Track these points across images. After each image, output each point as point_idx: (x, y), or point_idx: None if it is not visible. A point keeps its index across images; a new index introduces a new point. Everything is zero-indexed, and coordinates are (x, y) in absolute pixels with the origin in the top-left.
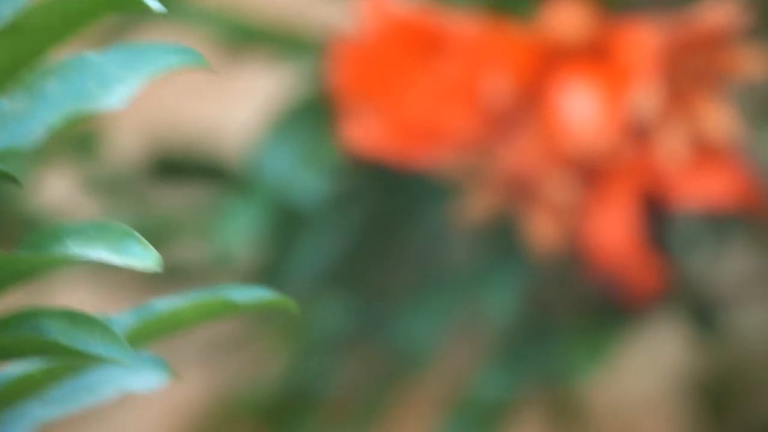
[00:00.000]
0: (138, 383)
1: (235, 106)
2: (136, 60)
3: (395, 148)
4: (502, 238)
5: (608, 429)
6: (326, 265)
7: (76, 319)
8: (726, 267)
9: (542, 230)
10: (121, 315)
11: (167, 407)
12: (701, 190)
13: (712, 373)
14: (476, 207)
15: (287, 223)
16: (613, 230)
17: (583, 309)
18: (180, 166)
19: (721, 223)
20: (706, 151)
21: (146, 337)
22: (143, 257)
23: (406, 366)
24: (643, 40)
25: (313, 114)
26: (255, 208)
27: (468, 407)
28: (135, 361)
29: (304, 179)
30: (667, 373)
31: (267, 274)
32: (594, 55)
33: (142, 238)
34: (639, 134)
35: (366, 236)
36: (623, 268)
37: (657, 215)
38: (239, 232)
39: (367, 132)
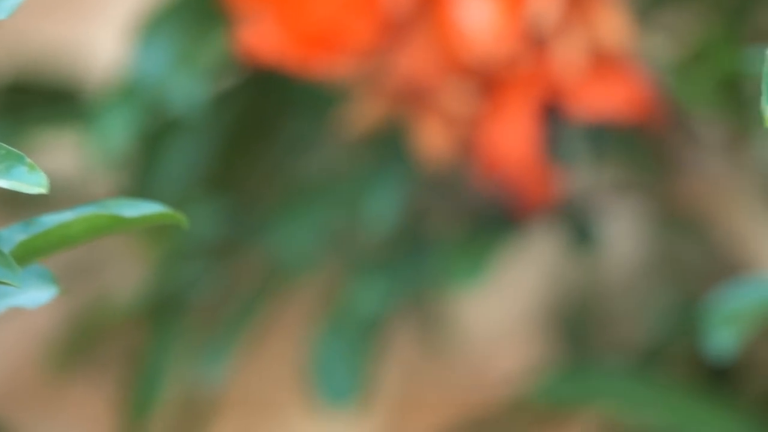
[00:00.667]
0: (26, 299)
1: (97, 24)
2: None
3: (288, 54)
4: (387, 146)
5: (472, 345)
6: (199, 171)
7: None
8: (602, 178)
9: (433, 139)
10: (9, 231)
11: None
12: (598, 99)
13: (579, 293)
14: (365, 115)
15: (161, 128)
16: (510, 139)
17: (465, 220)
18: (32, 90)
19: (599, 134)
20: (602, 60)
21: (34, 253)
22: (30, 180)
23: (281, 275)
24: None
25: (193, 12)
26: (128, 113)
27: (341, 319)
28: (23, 278)
29: (180, 82)
30: (536, 291)
31: (138, 180)
32: None
33: (30, 161)
34: (536, 42)
35: (242, 141)
36: (517, 178)
37: (553, 125)
38: (113, 138)
39: (259, 36)
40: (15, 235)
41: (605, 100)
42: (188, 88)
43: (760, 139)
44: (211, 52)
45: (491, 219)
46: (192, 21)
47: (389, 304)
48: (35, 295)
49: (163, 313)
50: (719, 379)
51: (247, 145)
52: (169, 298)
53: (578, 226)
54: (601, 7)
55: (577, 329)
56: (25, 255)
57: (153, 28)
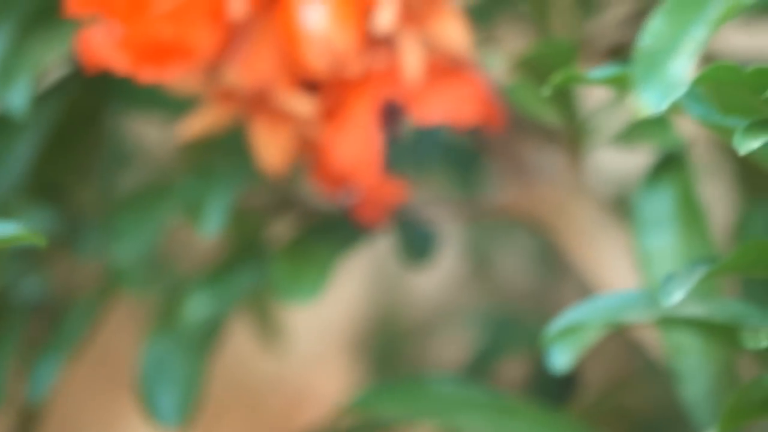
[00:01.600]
0: None
1: None
2: None
3: (127, 59)
4: (228, 151)
5: (296, 356)
6: (29, 171)
7: None
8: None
9: (273, 143)
10: None
11: None
12: (438, 103)
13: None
14: (206, 119)
15: None
16: (349, 144)
17: (303, 228)
18: None
19: (430, 141)
20: (441, 65)
21: None
22: None
23: (113, 282)
24: None
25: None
26: None
27: (172, 328)
28: None
29: (14, 81)
30: (360, 305)
31: None
32: None
33: None
34: (376, 46)
35: (73, 143)
36: (359, 185)
37: (393, 130)
38: None
39: (96, 37)
40: None
41: (445, 104)
42: (20, 87)
43: (595, 149)
44: (48, 50)
45: (329, 227)
46: (29, 15)
47: (221, 312)
48: None
49: None
50: (547, 392)
51: (78, 146)
52: None
53: (410, 237)
54: (439, 12)
55: (395, 343)
56: None
57: None
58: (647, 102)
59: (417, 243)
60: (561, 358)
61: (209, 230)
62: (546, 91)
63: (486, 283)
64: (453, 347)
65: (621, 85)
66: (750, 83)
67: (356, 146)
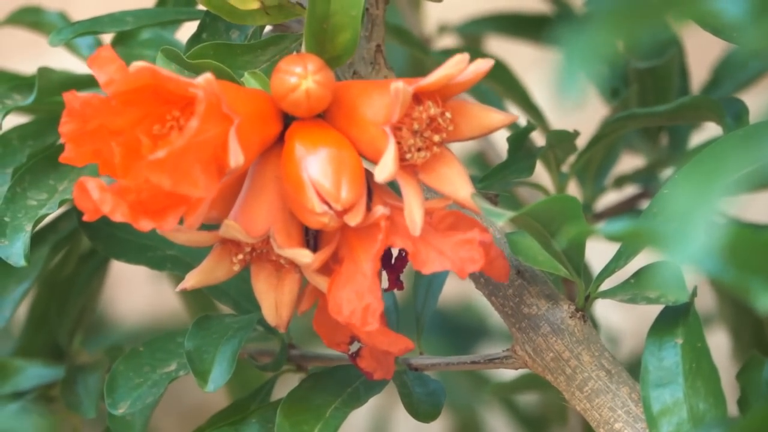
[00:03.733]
0: None
1: None
2: None
3: (125, 209)
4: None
5: None
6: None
7: None
8: None
9: (278, 293)
10: None
11: None
12: (442, 253)
13: None
14: (208, 268)
15: None
16: (354, 295)
17: (305, 378)
18: None
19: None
20: (445, 214)
21: None
22: None
23: None
24: (381, 103)
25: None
26: None
27: None
28: None
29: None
30: None
31: None
32: (332, 117)
33: None
34: (380, 196)
35: (69, 296)
36: (361, 335)
37: (398, 280)
38: None
39: (94, 188)
40: None
41: (448, 253)
42: (18, 236)
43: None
44: (47, 199)
45: (333, 378)
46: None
47: None
48: None
49: None
50: None
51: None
52: None
53: (416, 392)
54: (442, 163)
55: None
56: None
57: None
58: (683, 259)
59: (423, 398)
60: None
61: (214, 385)
62: (560, 243)
63: None
64: None
65: (635, 241)
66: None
67: (358, 296)
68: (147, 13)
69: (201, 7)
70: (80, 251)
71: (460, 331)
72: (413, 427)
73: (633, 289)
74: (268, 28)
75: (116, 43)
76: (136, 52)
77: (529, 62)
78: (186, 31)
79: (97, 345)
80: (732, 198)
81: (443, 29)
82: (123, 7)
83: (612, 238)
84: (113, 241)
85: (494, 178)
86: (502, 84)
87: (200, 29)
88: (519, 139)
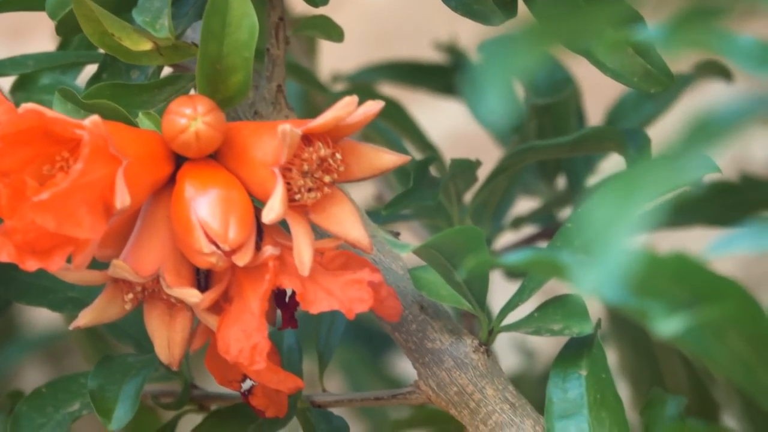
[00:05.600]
0: None
1: None
2: None
3: (10, 249)
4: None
5: None
6: None
7: None
8: None
9: (169, 332)
10: None
11: None
12: (331, 293)
13: None
14: (100, 307)
15: None
16: (242, 334)
17: (206, 416)
18: None
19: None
20: (336, 254)
21: None
22: None
23: None
24: (271, 144)
25: None
26: None
27: None
28: None
29: None
30: None
31: None
32: (223, 158)
33: None
34: (270, 236)
35: None
36: (251, 374)
37: (289, 319)
38: None
39: None
40: None
41: (337, 293)
42: None
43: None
44: None
45: (233, 415)
46: None
47: None
48: None
49: None
50: None
51: None
52: None
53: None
54: (332, 202)
55: None
56: None
57: None
58: (586, 286)
59: None
60: None
61: (118, 423)
62: (461, 274)
63: None
64: None
65: (537, 269)
66: (668, 269)
67: (246, 336)
68: (48, 57)
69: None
70: None
71: (371, 337)
72: None
73: (537, 322)
74: (167, 69)
75: (16, 89)
76: (36, 98)
77: (422, 105)
78: (87, 75)
79: (7, 354)
80: (646, 224)
81: (336, 78)
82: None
83: (514, 266)
84: (14, 283)
85: (399, 204)
86: (396, 124)
87: (100, 69)
88: (422, 167)
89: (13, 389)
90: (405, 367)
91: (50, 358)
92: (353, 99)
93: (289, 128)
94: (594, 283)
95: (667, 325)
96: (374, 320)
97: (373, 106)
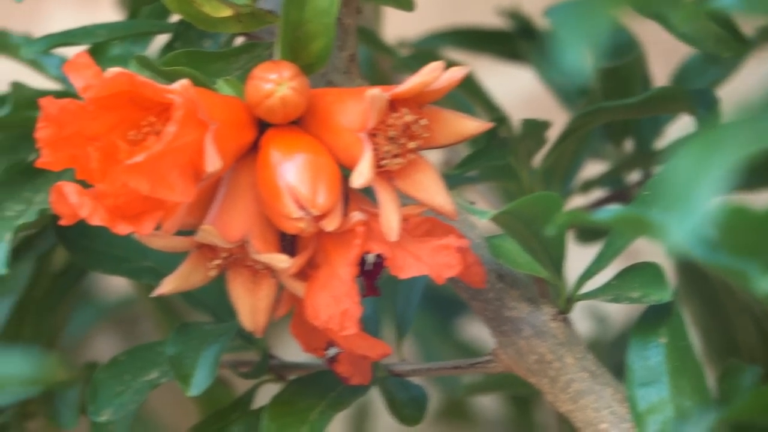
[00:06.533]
0: None
1: None
2: None
3: (102, 213)
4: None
5: None
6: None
7: None
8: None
9: (254, 299)
10: None
11: None
12: (418, 258)
13: None
14: (184, 274)
15: None
16: (330, 300)
17: (288, 384)
18: None
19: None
20: (422, 220)
21: None
22: None
23: None
24: (356, 110)
25: None
26: None
27: None
28: None
29: None
30: None
31: None
32: (307, 124)
33: None
34: (356, 202)
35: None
36: (338, 340)
37: (374, 286)
38: None
39: (71, 192)
40: None
41: (424, 258)
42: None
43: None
44: (26, 207)
45: (316, 383)
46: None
47: None
48: None
49: None
50: None
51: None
52: None
53: (400, 398)
54: (417, 168)
55: None
56: None
57: None
58: (673, 243)
59: (407, 403)
60: None
61: (197, 389)
62: (550, 230)
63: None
64: None
65: (629, 226)
66: (764, 224)
67: (336, 301)
68: (119, 26)
69: (173, 19)
70: (54, 270)
71: (440, 303)
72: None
73: (615, 290)
74: (238, 40)
75: None
76: (105, 68)
77: (486, 70)
78: (156, 47)
79: (77, 320)
80: (728, 183)
81: (402, 44)
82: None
83: (601, 224)
84: (90, 253)
85: (469, 164)
86: (464, 88)
87: (173, 38)
88: (493, 128)
89: (89, 360)
90: (475, 333)
91: (120, 324)
92: (439, 65)
93: (378, 92)
94: (683, 240)
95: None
96: (443, 286)
97: (458, 72)
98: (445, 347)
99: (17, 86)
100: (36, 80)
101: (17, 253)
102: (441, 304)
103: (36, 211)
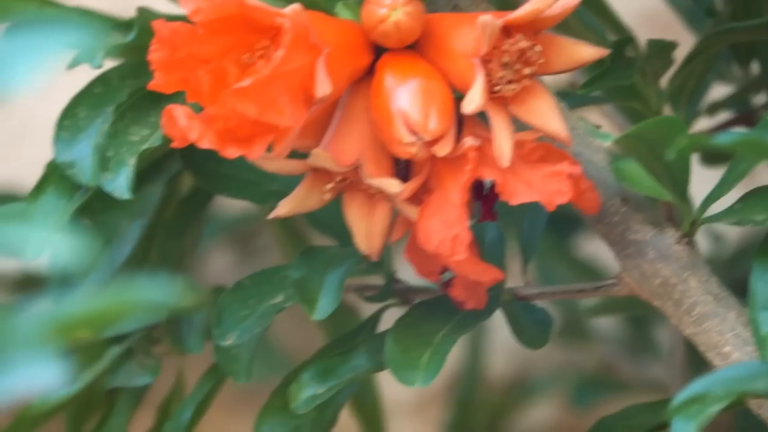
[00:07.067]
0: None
1: None
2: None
3: (212, 136)
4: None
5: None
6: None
7: None
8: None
9: (369, 223)
10: None
11: None
12: (531, 184)
13: None
14: (299, 198)
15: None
16: (443, 225)
17: (409, 308)
18: None
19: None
20: (535, 145)
21: None
22: None
23: (222, 369)
24: (471, 35)
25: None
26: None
27: (288, 409)
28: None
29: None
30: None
31: None
32: (422, 49)
33: None
34: (470, 126)
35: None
36: (452, 265)
37: (488, 210)
38: None
39: (182, 115)
40: None
41: (537, 184)
42: (123, 168)
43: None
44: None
45: (438, 307)
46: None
47: (336, 395)
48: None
49: None
50: None
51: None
52: None
53: (524, 321)
54: (530, 93)
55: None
56: None
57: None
58: None
59: (531, 326)
60: (685, 429)
61: (321, 312)
62: (670, 154)
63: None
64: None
65: (752, 150)
66: None
67: (447, 226)
68: None
69: None
70: (181, 195)
71: (556, 221)
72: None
73: (739, 214)
74: None
75: None
76: None
77: None
78: None
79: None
80: None
81: None
82: None
83: (725, 147)
84: (216, 176)
85: (595, 83)
86: (588, 6)
87: None
88: (618, 47)
89: (216, 284)
90: (592, 250)
91: (233, 242)
92: None
93: (490, 18)
94: None
95: None
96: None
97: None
98: (561, 266)
99: (143, 11)
100: (164, 6)
101: (145, 177)
102: (556, 223)
103: (161, 135)
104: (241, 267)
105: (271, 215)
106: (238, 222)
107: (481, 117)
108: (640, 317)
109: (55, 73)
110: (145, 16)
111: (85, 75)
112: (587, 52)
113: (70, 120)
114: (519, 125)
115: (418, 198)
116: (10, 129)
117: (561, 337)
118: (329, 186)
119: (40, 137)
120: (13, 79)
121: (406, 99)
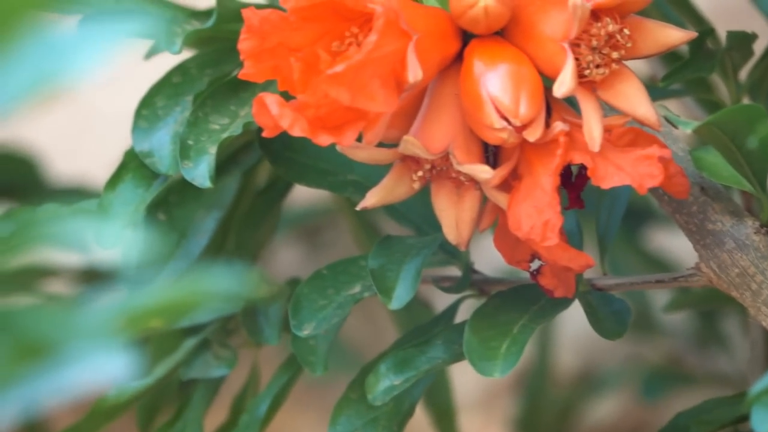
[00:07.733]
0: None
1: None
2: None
3: (304, 124)
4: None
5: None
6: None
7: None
8: None
9: (458, 211)
10: None
11: None
12: (621, 169)
13: None
14: (389, 187)
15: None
16: (533, 211)
17: (489, 297)
18: None
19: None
20: (625, 130)
21: None
22: None
23: (299, 360)
24: (559, 19)
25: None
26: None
27: (365, 402)
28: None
29: (197, 152)
30: None
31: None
32: (510, 34)
33: None
34: (559, 112)
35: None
36: (541, 252)
37: (577, 196)
38: None
39: (273, 103)
40: None
41: (627, 169)
42: (203, 157)
43: None
44: (229, 120)
45: (517, 296)
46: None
47: (412, 387)
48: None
49: None
50: None
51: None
52: None
53: (602, 312)
54: (620, 78)
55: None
56: None
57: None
58: None
59: (609, 317)
60: (764, 419)
61: (398, 302)
62: (752, 142)
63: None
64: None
65: None
66: None
67: (537, 212)
68: None
69: None
70: (258, 186)
71: (630, 214)
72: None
73: None
74: None
75: None
76: None
77: None
78: None
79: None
80: None
81: None
82: None
83: None
84: (294, 166)
85: (676, 75)
86: (670, 1)
87: None
88: (698, 39)
89: (292, 276)
90: (661, 242)
91: (301, 237)
92: None
93: (580, 2)
94: None
95: None
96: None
97: None
98: (631, 259)
99: (222, 0)
100: None
101: (223, 167)
102: (626, 216)
103: (241, 124)
104: (307, 262)
105: (359, 206)
106: (304, 216)
107: (571, 103)
108: (708, 310)
109: (121, 66)
110: (224, 3)
111: (151, 69)
112: (675, 35)
113: (149, 109)
114: (606, 110)
115: (507, 184)
116: (76, 123)
117: (629, 330)
118: (418, 174)
119: (106, 131)
120: (78, 71)
121: (496, 84)
